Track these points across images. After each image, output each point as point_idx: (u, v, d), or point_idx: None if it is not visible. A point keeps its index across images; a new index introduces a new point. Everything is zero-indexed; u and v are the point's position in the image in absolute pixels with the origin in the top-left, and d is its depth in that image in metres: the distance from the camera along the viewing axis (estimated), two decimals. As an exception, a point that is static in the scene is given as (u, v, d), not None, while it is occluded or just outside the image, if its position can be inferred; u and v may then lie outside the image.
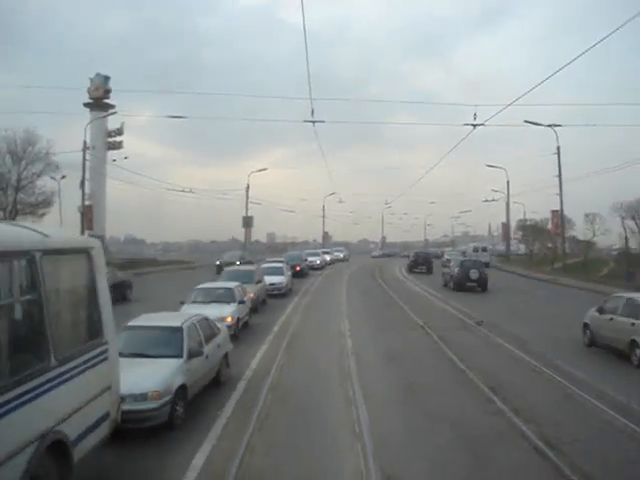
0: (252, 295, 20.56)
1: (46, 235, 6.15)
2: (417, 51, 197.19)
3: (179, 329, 10.16)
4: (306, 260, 45.75)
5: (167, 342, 9.86)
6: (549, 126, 42.34)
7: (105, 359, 7.02)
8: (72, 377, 6.07)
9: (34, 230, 6.16)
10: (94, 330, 6.95)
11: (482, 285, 32.05)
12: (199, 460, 7.64)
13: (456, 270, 32.68)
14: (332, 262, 62.40)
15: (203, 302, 16.80)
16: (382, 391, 11.12)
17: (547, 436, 8.45)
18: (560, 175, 44.46)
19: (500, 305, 26.25)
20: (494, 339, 16.72)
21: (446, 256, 54.53)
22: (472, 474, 7.42)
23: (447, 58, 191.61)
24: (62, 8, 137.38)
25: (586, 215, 55.20)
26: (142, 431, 8.34)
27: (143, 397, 8.42)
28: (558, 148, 44.42)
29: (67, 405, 5.94)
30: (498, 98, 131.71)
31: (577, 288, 34.24)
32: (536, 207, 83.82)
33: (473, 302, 26.30)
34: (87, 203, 43.34)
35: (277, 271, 28.62)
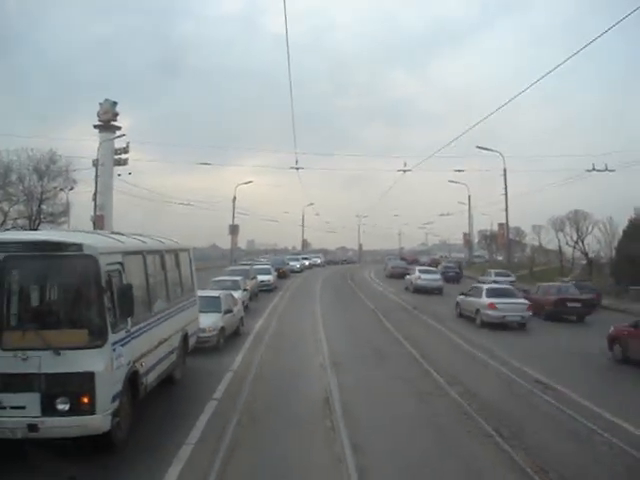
0: (248, 287, 27.81)
1: (177, 242, 13.43)
2: (394, 62, 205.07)
3: (218, 297, 17.53)
4: (288, 264, 53.24)
5: (213, 304, 17.05)
6: (496, 152, 50.34)
7: (196, 303, 14.25)
8: (188, 307, 13.25)
9: (174, 241, 13.39)
10: (192, 288, 14.16)
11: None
12: (238, 358, 14.92)
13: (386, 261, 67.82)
14: (310, 267, 70.01)
15: (218, 289, 23.91)
16: (336, 337, 18.48)
17: (422, 353, 15.90)
18: (506, 194, 52.00)
19: (437, 297, 34.06)
20: (420, 316, 24.37)
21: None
22: (376, 360, 14.84)
23: (423, 69, 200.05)
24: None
25: (533, 227, 63.42)
26: (204, 349, 15.44)
27: (204, 330, 15.56)
28: (504, 170, 51.91)
29: (187, 318, 13.10)
30: (474, 108, 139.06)
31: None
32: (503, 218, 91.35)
33: (417, 297, 33.92)
34: (98, 213, 50.11)
35: (266, 271, 36.19)
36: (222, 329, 16.48)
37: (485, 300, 22.28)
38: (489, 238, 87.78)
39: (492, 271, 44.98)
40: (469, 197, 69.47)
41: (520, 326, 22.12)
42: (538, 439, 8.90)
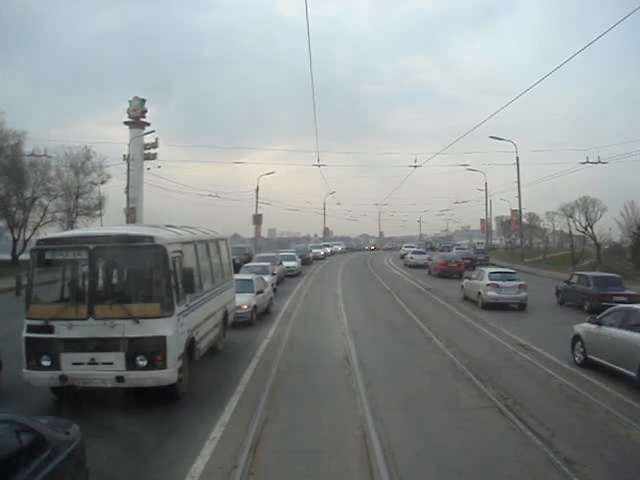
0: (276, 272, 30.44)
1: (217, 232, 15.99)
2: (413, 47, 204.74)
3: (251, 279, 20.18)
4: (311, 251, 55.90)
5: (246, 285, 19.64)
6: (509, 141, 52.28)
7: (233, 285, 16.81)
8: (227, 288, 15.79)
9: (214, 232, 15.94)
10: (230, 272, 16.72)
11: None
12: (272, 330, 17.57)
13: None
14: (332, 254, 72.76)
15: (250, 273, 26.48)
16: (355, 313, 21.04)
17: (428, 325, 18.36)
18: (519, 181, 53.44)
19: (448, 281, 36.36)
20: (431, 296, 26.85)
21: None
22: (390, 332, 17.38)
23: (443, 54, 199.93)
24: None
25: (547, 213, 65.14)
26: (240, 324, 17.99)
27: (240, 307, 18.15)
28: (517, 159, 53.32)
29: (227, 298, 15.65)
30: (495, 92, 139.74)
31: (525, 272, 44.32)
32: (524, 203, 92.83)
33: (431, 279, 36.37)
34: (131, 206, 53.05)
35: (291, 258, 39.04)
36: (255, 307, 19.10)
37: (410, 255, 51.46)
38: (506, 224, 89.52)
39: (454, 247, 67.28)
40: (486, 184, 71.20)
41: (425, 266, 43.38)
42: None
